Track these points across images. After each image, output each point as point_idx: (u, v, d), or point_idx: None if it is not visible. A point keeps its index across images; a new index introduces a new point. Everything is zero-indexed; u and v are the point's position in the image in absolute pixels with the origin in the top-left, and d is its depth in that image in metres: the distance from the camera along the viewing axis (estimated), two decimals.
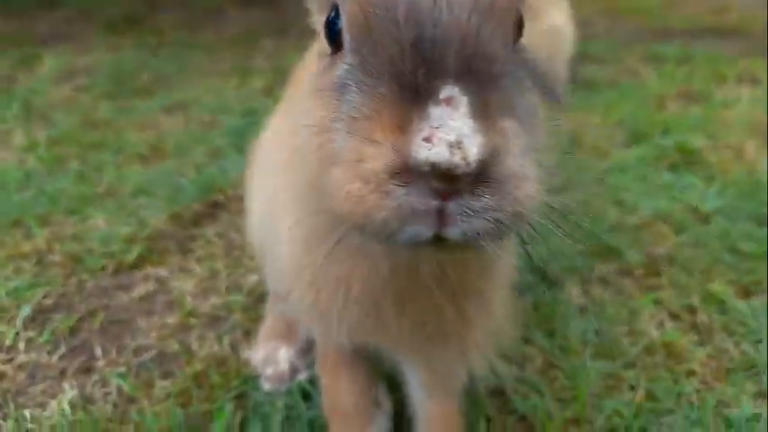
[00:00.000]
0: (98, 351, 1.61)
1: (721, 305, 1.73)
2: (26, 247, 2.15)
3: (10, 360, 1.61)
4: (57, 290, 1.88)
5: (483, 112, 0.57)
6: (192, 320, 1.71)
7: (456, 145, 0.55)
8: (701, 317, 1.67)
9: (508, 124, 0.59)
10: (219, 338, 1.64)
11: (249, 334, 1.66)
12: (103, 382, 1.51)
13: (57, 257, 2.07)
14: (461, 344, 0.96)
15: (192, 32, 5.61)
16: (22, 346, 1.66)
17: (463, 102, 0.57)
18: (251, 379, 1.49)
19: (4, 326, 1.74)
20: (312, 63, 1.19)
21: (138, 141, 3.04)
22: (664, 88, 3.40)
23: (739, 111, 3.16)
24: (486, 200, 0.57)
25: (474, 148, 0.55)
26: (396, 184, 0.57)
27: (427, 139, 0.55)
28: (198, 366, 1.51)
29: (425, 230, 0.59)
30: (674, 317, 1.70)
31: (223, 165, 2.71)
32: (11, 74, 4.42)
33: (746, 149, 2.76)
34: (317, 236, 0.81)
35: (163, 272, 1.96)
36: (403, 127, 0.57)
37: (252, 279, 1.88)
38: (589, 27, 5.38)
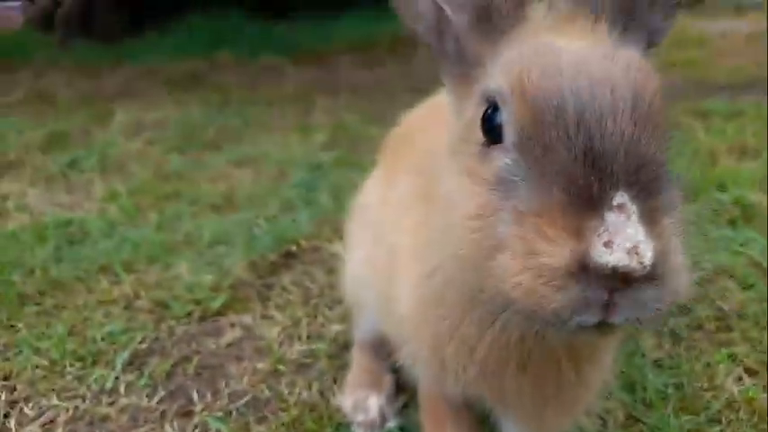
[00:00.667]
0: (195, 395, 1.72)
1: None
2: (114, 293, 2.30)
3: (112, 403, 1.72)
4: (149, 335, 2.01)
5: (651, 217, 0.67)
6: (281, 367, 1.80)
7: (633, 250, 0.64)
8: None
9: (669, 224, 0.69)
10: (309, 385, 1.72)
11: (336, 381, 1.74)
12: (203, 427, 1.60)
13: (144, 303, 2.21)
14: (575, 405, 1.03)
15: (252, 90, 5.91)
16: (122, 389, 1.77)
17: (634, 209, 0.67)
18: (343, 426, 1.57)
19: (104, 369, 1.86)
20: (414, 137, 1.31)
21: (211, 192, 3.22)
22: (714, 143, 3.45)
23: None
24: (651, 293, 0.67)
25: (649, 253, 0.65)
26: (572, 282, 0.66)
27: (607, 245, 0.65)
28: (292, 412, 1.60)
29: (593, 318, 0.69)
30: (751, 372, 1.72)
31: (295, 217, 2.85)
32: (86, 128, 4.72)
33: None
34: (454, 299, 0.90)
35: (247, 319, 2.07)
36: (580, 230, 0.66)
37: (333, 328, 1.98)
38: None
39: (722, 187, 2.85)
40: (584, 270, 0.66)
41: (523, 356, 0.91)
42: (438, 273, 0.89)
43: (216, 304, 2.13)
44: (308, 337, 1.95)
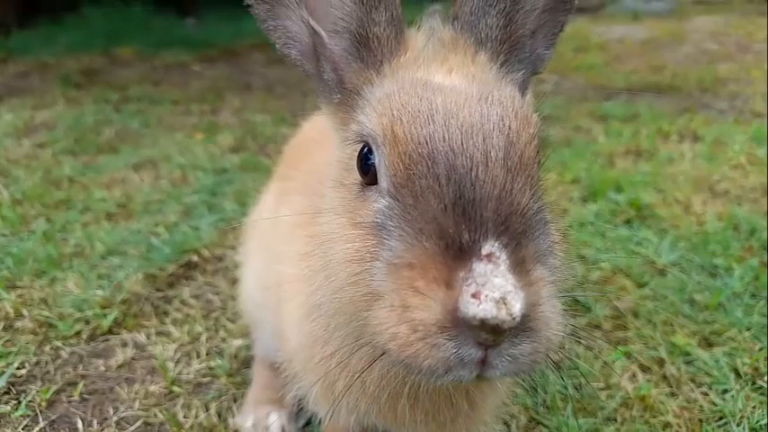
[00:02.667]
0: (79, 424, 1.57)
1: (687, 356, 1.83)
2: None
3: None
4: (30, 359, 1.83)
5: (521, 266, 0.65)
6: (176, 388, 1.69)
7: (501, 301, 0.62)
8: (670, 368, 1.77)
9: (541, 272, 0.67)
10: (206, 406, 1.62)
11: (236, 400, 1.65)
12: None
13: (27, 323, 2.02)
14: (469, 423, 1.01)
15: (155, 87, 5.63)
16: None
17: (503, 257, 0.64)
18: None
19: None
20: (311, 150, 1.25)
21: (105, 199, 3.02)
22: (613, 146, 3.62)
23: (684, 166, 3.39)
24: (524, 346, 0.65)
25: (517, 305, 0.62)
26: (444, 338, 0.64)
27: (475, 296, 0.62)
28: None
29: (468, 375, 0.67)
30: (645, 369, 1.79)
31: (196, 224, 2.71)
32: None
33: (694, 203, 2.95)
34: (340, 336, 0.85)
35: (140, 337, 1.94)
36: (449, 282, 0.64)
37: (234, 343, 1.88)
38: (539, 85, 5.70)
39: (619, 188, 2.98)
40: (455, 324, 0.64)
41: (413, 389, 0.88)
42: (322, 309, 0.85)
43: (106, 322, 1.97)
44: (207, 354, 1.85)
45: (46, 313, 2.05)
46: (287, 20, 0.89)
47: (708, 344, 1.93)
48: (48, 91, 5.49)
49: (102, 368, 1.79)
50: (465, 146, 0.69)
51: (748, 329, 1.98)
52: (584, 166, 3.28)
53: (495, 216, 0.67)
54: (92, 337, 1.93)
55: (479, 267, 0.63)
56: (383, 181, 0.74)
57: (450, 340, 0.64)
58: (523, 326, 0.65)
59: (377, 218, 0.73)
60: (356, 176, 0.80)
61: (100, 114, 4.56)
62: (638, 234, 2.63)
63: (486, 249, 0.65)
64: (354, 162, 0.80)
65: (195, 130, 4.29)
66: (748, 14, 9.51)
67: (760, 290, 2.22)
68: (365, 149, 0.78)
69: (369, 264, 0.72)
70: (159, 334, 1.97)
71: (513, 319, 0.62)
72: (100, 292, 2.13)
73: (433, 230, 0.66)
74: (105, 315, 2.01)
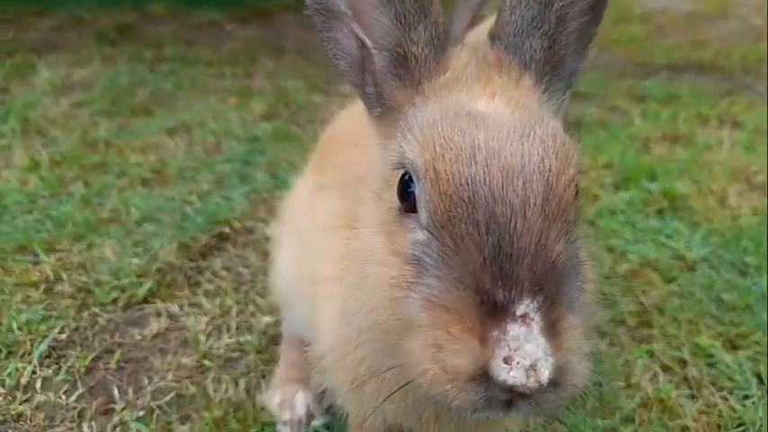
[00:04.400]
0: (116, 392, 1.66)
1: (710, 358, 1.84)
2: (34, 275, 2.18)
3: (27, 400, 1.64)
4: (69, 324, 1.92)
5: (553, 328, 0.67)
6: (207, 362, 1.76)
7: (531, 369, 0.64)
8: (692, 370, 1.78)
9: (572, 321, 0.69)
10: (235, 381, 1.69)
11: (264, 377, 1.71)
12: (123, 427, 1.55)
13: (66, 288, 2.10)
14: (494, 429, 1.05)
15: (188, 47, 5.63)
16: (38, 385, 1.69)
17: (536, 319, 0.66)
18: (269, 425, 1.55)
19: (20, 362, 1.77)
20: (347, 147, 1.26)
21: (140, 164, 3.07)
22: (649, 130, 3.54)
23: (722, 155, 3.31)
24: (550, 397, 0.69)
25: (546, 372, 0.65)
26: (473, 385, 0.67)
27: (507, 361, 0.64)
28: (216, 412, 1.56)
29: (494, 414, 0.71)
30: (667, 369, 1.80)
31: (228, 194, 2.76)
32: (4, 85, 4.40)
33: (729, 195, 2.90)
34: (373, 344, 0.88)
35: (174, 307, 2.01)
36: (483, 337, 0.66)
37: (263, 320, 1.94)
38: None
39: (652, 177, 2.94)
40: (485, 378, 0.66)
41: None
42: (358, 317, 0.87)
43: (142, 291, 2.05)
44: (237, 329, 1.91)
45: (84, 279, 2.14)
46: (339, 32, 0.89)
47: (732, 346, 1.93)
48: (83, 47, 5.52)
49: (138, 337, 1.87)
50: (505, 191, 0.70)
51: None
52: (619, 150, 3.23)
53: (531, 274, 0.68)
54: (128, 305, 2.01)
55: (513, 330, 0.65)
56: (422, 214, 0.76)
57: (479, 386, 0.67)
58: (551, 386, 0.67)
59: (415, 250, 0.74)
60: (395, 198, 0.81)
61: (134, 75, 4.59)
62: (670, 226, 2.61)
63: (520, 310, 0.67)
64: (395, 184, 0.81)
65: (228, 93, 4.31)
66: None
67: None
68: (406, 176, 0.79)
69: (405, 292, 0.74)
70: (192, 305, 2.03)
71: (541, 386, 0.65)
72: (136, 261, 2.20)
73: (471, 282, 0.68)
74: (141, 284, 2.08)
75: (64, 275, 2.17)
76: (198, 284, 2.17)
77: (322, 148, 1.45)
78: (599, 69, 5.06)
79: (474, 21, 2.93)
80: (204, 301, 2.05)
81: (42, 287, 2.12)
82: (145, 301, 2.03)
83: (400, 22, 0.83)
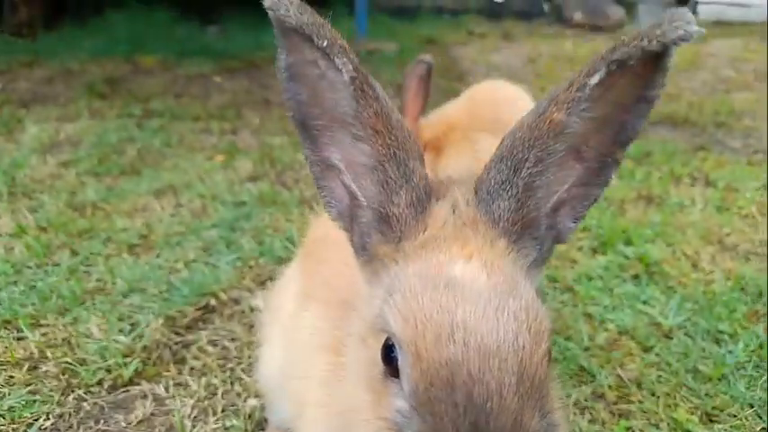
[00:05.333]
0: None
1: None
2: (18, 353, 2.19)
3: None
4: (54, 410, 1.92)
5: None
6: None
7: None
8: None
9: None
10: None
11: None
12: None
13: (51, 368, 2.11)
14: None
15: (176, 100, 5.72)
16: None
17: None
18: None
19: None
20: (331, 252, 1.31)
21: (127, 229, 3.11)
22: (624, 191, 3.66)
23: (694, 216, 3.42)
24: None
25: None
26: None
27: None
28: None
29: None
30: None
31: (214, 261, 2.79)
32: None
33: (702, 258, 2.99)
34: None
35: (159, 389, 2.02)
36: None
37: (249, 403, 1.96)
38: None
39: (628, 240, 3.03)
40: None
41: None
42: None
43: (128, 372, 2.06)
44: (223, 411, 1.93)
45: (68, 358, 2.14)
46: (332, 182, 0.95)
47: (709, 419, 1.98)
48: (72, 100, 5.60)
49: (123, 423, 1.87)
50: (482, 372, 0.75)
51: (750, 406, 2.03)
52: (596, 213, 3.32)
53: None
54: (113, 387, 2.02)
55: None
56: (405, 384, 0.80)
57: None
58: None
59: (397, 418, 0.79)
60: (379, 357, 0.84)
61: (123, 131, 4.65)
62: (646, 292, 2.68)
63: None
64: (378, 340, 0.85)
65: (215, 151, 4.38)
66: (765, 39, 9.43)
67: (764, 360, 2.27)
68: (389, 341, 0.83)
69: None
70: (177, 385, 2.05)
71: None
72: (122, 338, 2.22)
73: None
74: (126, 364, 2.09)
75: (49, 353, 2.18)
76: (184, 361, 2.18)
77: (309, 248, 1.49)
78: None
79: (423, 92, 3.04)
80: (190, 380, 2.07)
81: (26, 366, 2.13)
82: (130, 382, 2.05)
83: (383, 187, 0.89)
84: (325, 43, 0.83)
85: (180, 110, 5.38)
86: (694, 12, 10.20)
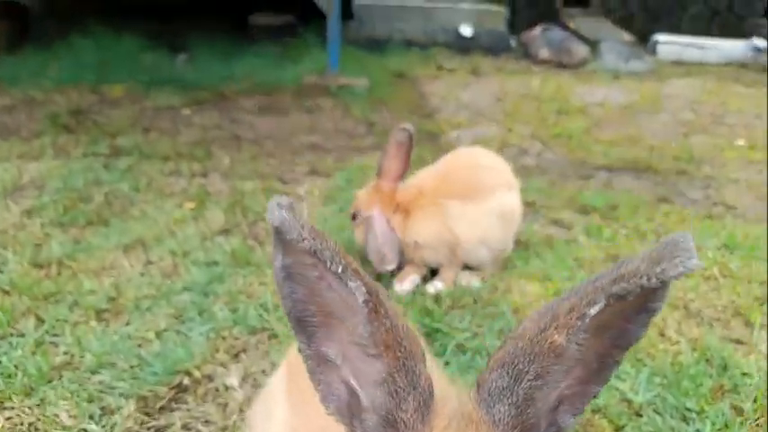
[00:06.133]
0: None
1: None
2: None
3: None
4: None
5: None
6: None
7: None
8: None
9: None
10: None
11: None
12: None
13: None
14: None
15: (144, 135, 5.64)
16: None
17: None
18: None
19: None
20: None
21: (94, 291, 3.03)
22: (593, 251, 3.75)
23: None
24: None
25: None
26: None
27: None
28: None
29: None
30: None
31: (186, 331, 2.74)
32: None
33: (669, 325, 3.08)
34: None
35: None
36: None
37: None
38: (522, 157, 5.87)
39: None
40: None
41: None
42: None
43: None
44: None
45: None
46: (329, 375, 0.95)
47: None
48: (36, 134, 5.46)
49: None
50: None
51: None
52: (567, 275, 3.40)
53: None
54: None
55: None
56: None
57: None
58: None
59: None
60: None
61: (89, 172, 4.55)
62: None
63: None
64: None
65: (185, 197, 4.32)
66: (723, 79, 9.84)
67: None
68: None
69: None
70: None
71: None
72: (93, 427, 2.16)
73: None
74: None
75: None
76: None
77: (296, 379, 1.47)
78: (542, 172, 5.36)
79: (403, 156, 3.09)
80: None
81: None
82: None
83: (392, 397, 0.90)
84: (340, 269, 0.84)
85: (148, 147, 5.30)
86: (654, 52, 10.59)
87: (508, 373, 0.90)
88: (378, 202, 3.13)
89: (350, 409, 0.94)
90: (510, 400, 0.91)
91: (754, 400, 2.55)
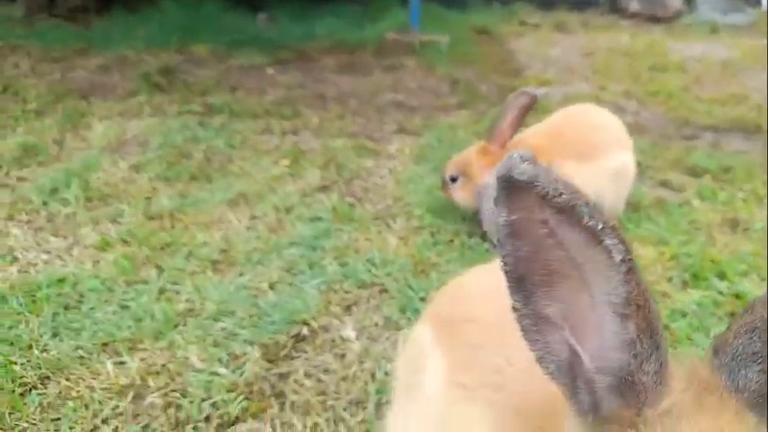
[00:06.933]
0: None
1: None
2: (121, 379, 2.21)
3: None
4: None
5: None
6: None
7: None
8: None
9: None
10: None
11: None
12: None
13: (156, 399, 2.13)
14: None
15: (232, 94, 5.72)
16: None
17: None
18: None
19: None
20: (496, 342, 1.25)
21: (207, 243, 3.11)
22: (709, 214, 3.53)
23: None
24: None
25: None
26: None
27: None
28: None
29: None
30: None
31: (299, 284, 2.78)
32: (58, 137, 4.49)
33: None
34: None
35: (267, 429, 2.02)
36: None
37: None
38: (618, 116, 5.59)
39: (721, 274, 2.93)
40: None
41: None
42: None
43: (234, 408, 2.07)
44: None
45: (171, 388, 2.16)
46: (549, 335, 0.90)
47: None
48: (131, 93, 5.63)
49: None
50: None
51: None
52: (684, 240, 3.22)
53: None
54: (221, 425, 2.03)
55: None
56: None
57: None
58: None
59: None
60: None
61: (186, 130, 4.66)
62: None
63: None
64: None
65: (279, 154, 4.36)
66: None
67: None
68: None
69: None
70: (283, 424, 2.05)
71: None
72: (223, 371, 2.23)
73: None
74: (232, 400, 2.10)
75: (150, 381, 2.20)
76: (283, 395, 2.19)
77: (450, 323, 1.42)
78: (641, 131, 5.08)
79: (519, 122, 2.97)
80: (294, 418, 2.07)
81: (130, 395, 2.15)
82: (237, 419, 2.06)
83: (635, 356, 0.84)
84: (599, 225, 0.77)
85: (237, 106, 5.37)
86: (756, 3, 9.80)
87: (760, 338, 0.83)
88: (491, 168, 3.04)
89: (571, 370, 0.89)
90: (761, 366, 0.83)
91: None
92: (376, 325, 2.57)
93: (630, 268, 0.78)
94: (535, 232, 0.83)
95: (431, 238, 3.18)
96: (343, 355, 2.40)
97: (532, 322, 0.88)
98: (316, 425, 2.06)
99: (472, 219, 3.29)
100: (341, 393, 2.21)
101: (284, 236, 3.19)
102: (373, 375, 2.28)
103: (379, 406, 2.11)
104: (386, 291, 2.75)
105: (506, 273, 0.87)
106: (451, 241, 3.16)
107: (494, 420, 1.10)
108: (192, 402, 2.10)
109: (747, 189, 3.90)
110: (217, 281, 2.81)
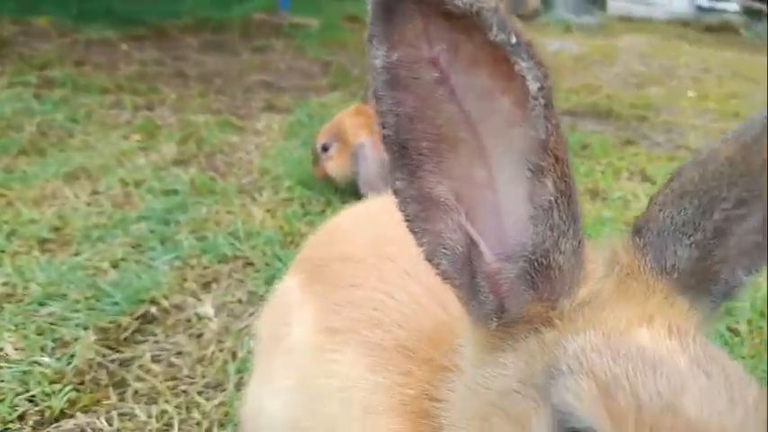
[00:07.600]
0: None
1: None
2: None
3: None
4: None
5: None
6: None
7: None
8: None
9: None
10: None
11: None
12: None
13: None
14: None
15: (78, 68, 5.10)
16: None
17: None
18: None
19: None
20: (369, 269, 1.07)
21: (35, 220, 2.65)
22: None
23: (640, 209, 3.46)
24: None
25: None
26: None
27: None
28: None
29: None
30: None
31: (147, 261, 2.43)
32: None
33: None
34: None
35: (101, 423, 1.68)
36: None
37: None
38: None
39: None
40: None
41: None
42: None
43: (58, 402, 1.70)
44: None
45: None
46: (439, 222, 0.70)
47: None
48: None
49: None
50: None
51: None
52: None
53: None
54: (40, 423, 1.66)
55: None
56: None
57: None
58: None
59: None
60: None
61: (18, 102, 4.05)
62: None
63: None
64: (513, 422, 0.65)
65: (131, 129, 3.91)
66: (669, 37, 10.00)
67: None
68: (567, 425, 0.62)
69: None
70: (122, 416, 1.72)
71: None
72: (46, 359, 1.84)
73: None
74: (55, 393, 1.73)
75: None
76: (125, 383, 1.85)
77: (319, 267, 1.21)
78: None
79: None
80: (137, 409, 1.74)
81: None
82: (62, 414, 1.69)
83: (552, 230, 0.66)
84: (513, 39, 0.58)
85: (83, 80, 4.78)
86: (603, 7, 10.63)
87: (692, 203, 0.70)
88: (366, 127, 2.87)
89: (469, 265, 0.70)
90: (693, 239, 0.70)
91: (748, 322, 2.51)
92: (239, 301, 2.29)
93: (549, 102, 0.61)
94: (422, 78, 0.64)
95: (301, 209, 2.95)
96: (199, 335, 2.10)
97: (419, 207, 0.68)
98: (163, 413, 1.75)
99: (345, 190, 3.10)
100: (196, 377, 1.91)
101: (132, 210, 2.80)
102: (234, 354, 2.00)
103: (240, 386, 1.85)
104: (250, 264, 2.48)
105: (385, 139, 0.67)
106: (323, 211, 2.94)
107: (371, 361, 0.91)
108: (2, 400, 1.70)
109: (604, 163, 4.08)
110: (44, 261, 2.38)
